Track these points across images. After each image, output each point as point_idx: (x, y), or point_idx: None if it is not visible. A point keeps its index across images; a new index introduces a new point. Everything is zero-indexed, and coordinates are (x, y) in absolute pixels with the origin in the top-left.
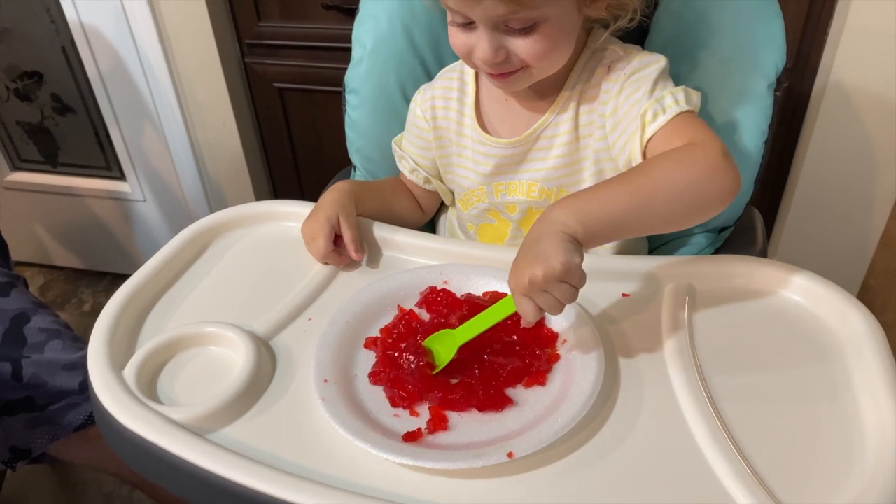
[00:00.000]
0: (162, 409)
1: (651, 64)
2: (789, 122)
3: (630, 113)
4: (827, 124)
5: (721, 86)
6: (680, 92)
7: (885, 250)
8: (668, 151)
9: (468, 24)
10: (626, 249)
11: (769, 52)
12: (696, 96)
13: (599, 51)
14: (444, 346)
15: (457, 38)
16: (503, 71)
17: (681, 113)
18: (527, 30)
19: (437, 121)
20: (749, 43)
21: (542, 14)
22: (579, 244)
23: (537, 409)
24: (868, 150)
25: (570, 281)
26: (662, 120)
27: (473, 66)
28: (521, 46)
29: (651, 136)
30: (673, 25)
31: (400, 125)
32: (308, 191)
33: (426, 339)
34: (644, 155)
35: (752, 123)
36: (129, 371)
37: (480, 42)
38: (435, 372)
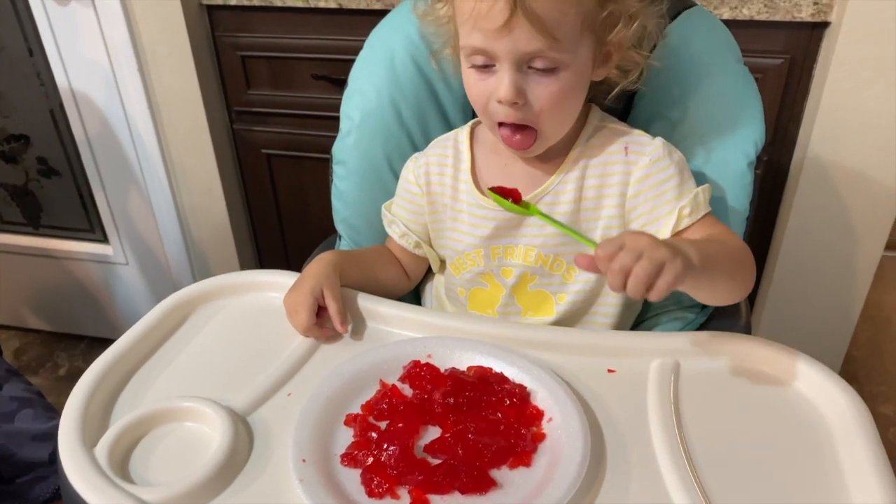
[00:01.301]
0: (134, 489)
1: (674, 153)
2: (769, 194)
3: (659, 199)
4: (806, 197)
5: (703, 164)
6: (707, 191)
7: (867, 321)
8: (729, 235)
9: (487, 67)
10: (623, 311)
11: (749, 131)
12: (710, 193)
13: (603, 128)
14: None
15: (475, 86)
16: (517, 121)
17: (708, 213)
18: (548, 71)
19: (430, 186)
20: (730, 122)
21: (567, 59)
22: (692, 268)
23: (522, 491)
24: (847, 222)
25: (660, 267)
26: (696, 216)
27: (489, 118)
28: (541, 89)
29: (684, 229)
30: (655, 102)
31: (386, 196)
32: (294, 257)
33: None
34: None
35: (734, 201)
36: (102, 449)
37: (502, 82)
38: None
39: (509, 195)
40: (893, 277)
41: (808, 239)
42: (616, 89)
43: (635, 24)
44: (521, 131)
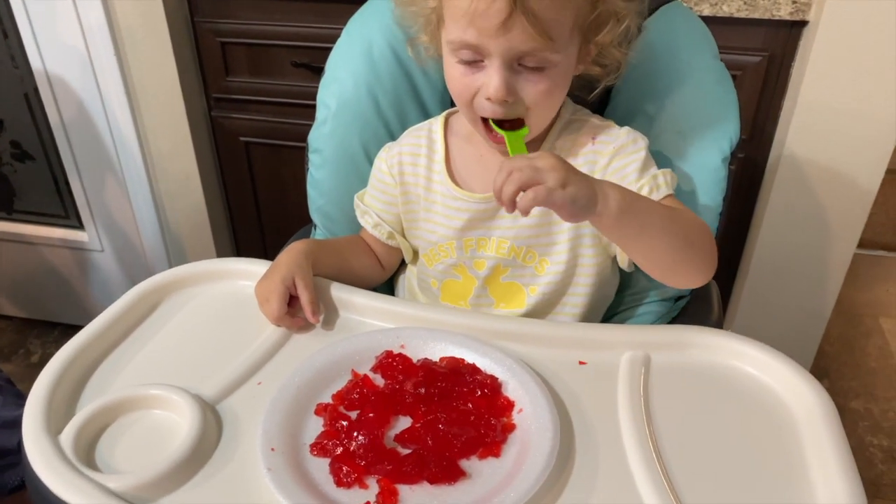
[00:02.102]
0: (98, 477)
1: (638, 140)
2: (746, 191)
3: (621, 183)
4: (781, 194)
5: (677, 159)
6: (669, 174)
7: (840, 317)
8: (688, 211)
9: (475, 62)
10: (594, 304)
11: (724, 127)
12: (675, 180)
13: (575, 121)
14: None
15: (460, 80)
16: (507, 116)
17: (669, 195)
18: (538, 69)
19: (404, 176)
20: (705, 118)
21: (557, 58)
22: (592, 211)
23: (490, 482)
24: (821, 219)
25: (535, 182)
26: (656, 196)
27: (472, 112)
28: (531, 87)
29: None
30: (631, 97)
31: (362, 186)
32: (271, 246)
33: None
34: None
35: (708, 196)
36: (67, 436)
37: (492, 79)
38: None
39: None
40: (866, 275)
41: (782, 236)
42: (599, 87)
43: (623, 26)
44: (509, 122)
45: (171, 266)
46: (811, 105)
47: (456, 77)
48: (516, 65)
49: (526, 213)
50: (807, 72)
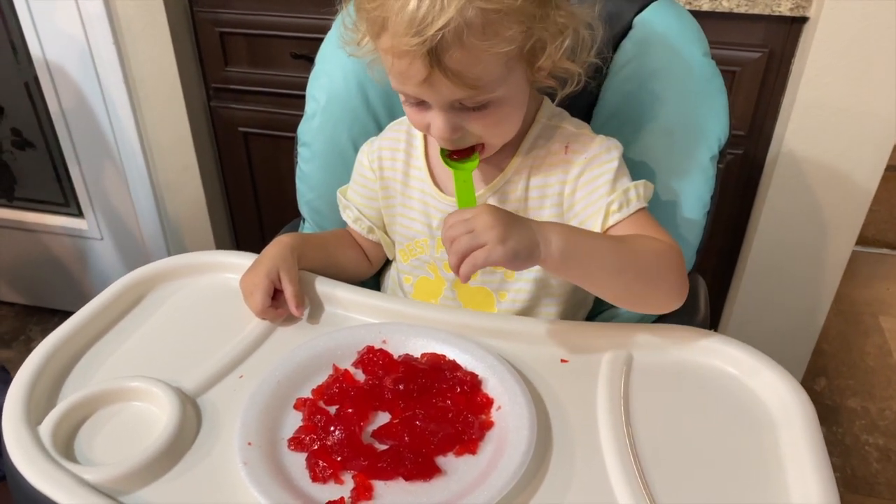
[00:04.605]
0: (76, 468)
1: (611, 150)
2: (744, 187)
3: (591, 196)
4: (780, 191)
5: (665, 156)
6: (641, 186)
7: (837, 316)
8: (649, 238)
9: (421, 104)
10: (568, 311)
11: (713, 125)
12: (651, 189)
13: (551, 127)
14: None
15: (412, 115)
16: (459, 147)
17: (642, 209)
18: (481, 107)
19: (383, 171)
20: (693, 116)
21: (496, 95)
22: (536, 259)
23: (465, 479)
24: (819, 217)
25: (475, 248)
26: (626, 212)
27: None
28: (476, 123)
29: (613, 225)
30: (620, 95)
31: (350, 180)
32: (269, 236)
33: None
34: None
35: (695, 194)
36: (46, 427)
37: (436, 122)
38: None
39: (464, 153)
40: (864, 272)
41: (780, 232)
42: (557, 98)
43: (567, 40)
44: (464, 152)
45: (169, 254)
46: (810, 102)
47: (409, 112)
48: (458, 104)
49: (466, 279)
50: (806, 68)
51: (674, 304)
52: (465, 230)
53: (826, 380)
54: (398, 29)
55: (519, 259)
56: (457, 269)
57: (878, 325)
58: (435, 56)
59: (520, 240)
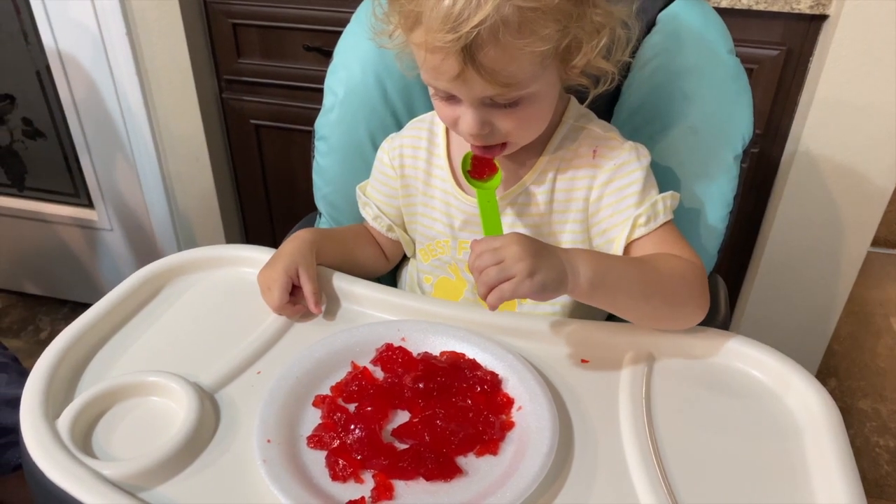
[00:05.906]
0: (94, 463)
1: (641, 157)
2: (759, 186)
3: (619, 206)
4: (795, 190)
5: (690, 155)
6: (669, 198)
7: (850, 316)
8: (674, 259)
9: (451, 98)
10: (589, 311)
11: (737, 124)
12: (677, 200)
13: (578, 128)
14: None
15: (441, 109)
16: (487, 143)
17: (668, 221)
18: (512, 104)
19: (404, 169)
20: (718, 114)
21: (528, 92)
22: (563, 290)
23: (487, 480)
24: (834, 217)
25: (504, 280)
26: (653, 226)
27: (459, 133)
28: (506, 119)
29: (637, 238)
30: (644, 91)
31: (368, 174)
32: (279, 229)
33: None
34: (625, 249)
35: (718, 193)
36: (64, 421)
37: (465, 117)
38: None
39: (485, 168)
40: (878, 273)
41: (794, 232)
42: (588, 98)
43: (603, 39)
44: (491, 149)
45: (179, 247)
46: (828, 101)
47: (438, 106)
48: (489, 100)
49: (494, 309)
50: (825, 67)
51: (696, 321)
52: (494, 261)
53: (836, 381)
54: (433, 24)
55: (547, 291)
56: (485, 298)
57: (890, 326)
58: (469, 53)
59: (548, 272)
